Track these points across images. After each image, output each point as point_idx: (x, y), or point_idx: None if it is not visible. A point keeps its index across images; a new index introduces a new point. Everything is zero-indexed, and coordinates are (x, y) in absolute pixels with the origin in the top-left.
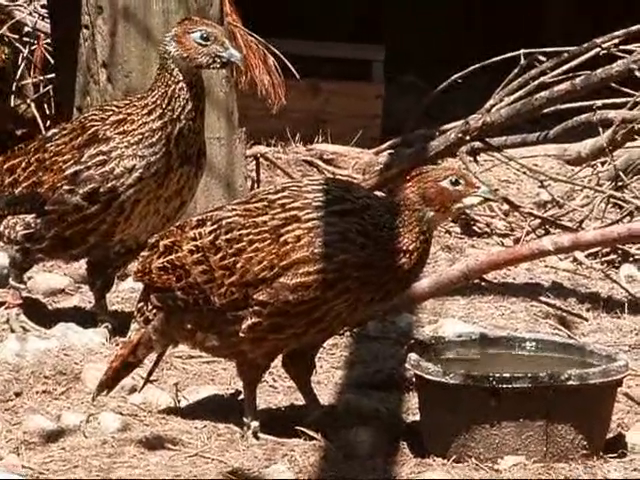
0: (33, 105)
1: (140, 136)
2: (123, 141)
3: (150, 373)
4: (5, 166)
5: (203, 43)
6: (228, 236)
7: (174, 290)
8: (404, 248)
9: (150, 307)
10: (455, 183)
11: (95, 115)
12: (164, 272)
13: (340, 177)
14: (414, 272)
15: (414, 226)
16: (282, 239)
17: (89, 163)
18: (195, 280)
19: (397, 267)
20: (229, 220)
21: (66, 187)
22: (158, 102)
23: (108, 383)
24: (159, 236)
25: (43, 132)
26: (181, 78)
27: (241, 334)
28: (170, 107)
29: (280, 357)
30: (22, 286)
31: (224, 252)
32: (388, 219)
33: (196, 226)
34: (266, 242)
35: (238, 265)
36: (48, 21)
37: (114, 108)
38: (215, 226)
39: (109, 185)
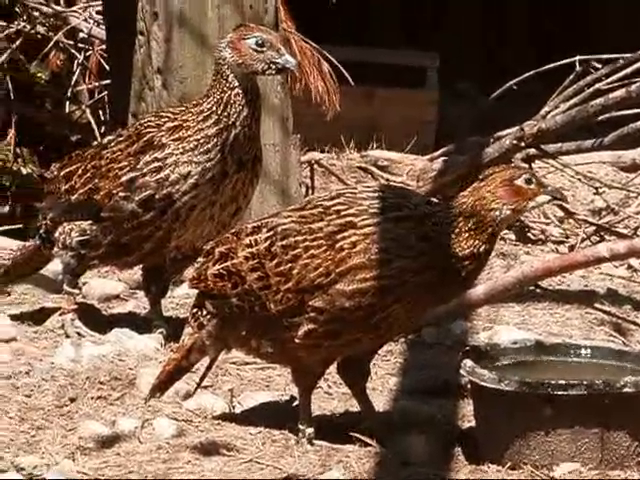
0: (88, 111)
1: (195, 142)
2: (178, 147)
3: (203, 378)
4: (62, 173)
5: (258, 49)
6: (284, 242)
7: (230, 297)
8: (475, 251)
9: (204, 312)
10: (529, 182)
11: (150, 122)
12: (220, 279)
13: (395, 184)
14: (477, 275)
15: (487, 227)
16: (338, 245)
17: (144, 170)
18: (251, 287)
19: (459, 271)
20: (285, 227)
21: (122, 194)
22: (214, 108)
23: (161, 387)
24: (214, 243)
25: (98, 138)
26: (237, 84)
27: (297, 340)
28: (226, 113)
29: (335, 363)
30: (76, 291)
31: (280, 258)
32: (452, 223)
33: (251, 233)
34: (322, 248)
35: (294, 271)
36: (103, 27)
37: (169, 115)
38: (271, 233)
39: (164, 192)
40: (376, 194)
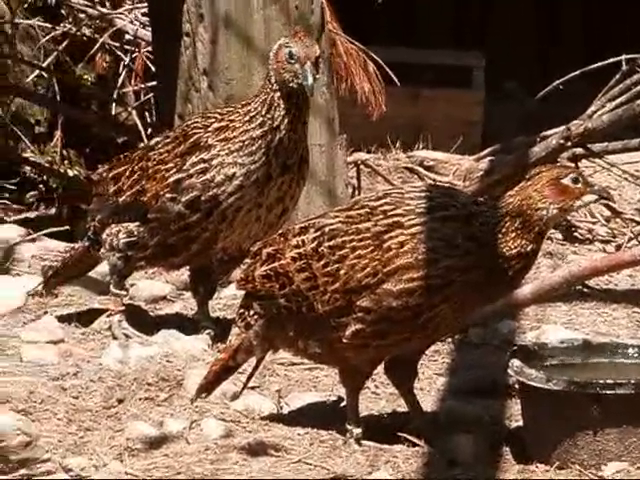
0: (134, 113)
1: (240, 144)
2: (224, 149)
3: (250, 377)
4: (110, 174)
5: (290, 60)
6: (331, 243)
7: (277, 298)
8: (522, 251)
9: (252, 313)
10: (576, 181)
11: (197, 123)
12: (267, 280)
13: (441, 183)
14: (524, 274)
15: (534, 226)
16: (385, 245)
17: (191, 171)
18: (298, 287)
19: (507, 271)
20: (332, 227)
21: (168, 195)
22: (259, 109)
23: (207, 386)
24: (262, 244)
25: (144, 140)
26: (277, 87)
27: (344, 340)
28: (270, 115)
29: (383, 364)
30: (123, 292)
31: (327, 259)
32: (499, 223)
33: (299, 233)
34: (369, 249)
35: (341, 272)
36: (149, 29)
37: (217, 115)
38: (318, 233)
39: (210, 193)
40: (423, 194)
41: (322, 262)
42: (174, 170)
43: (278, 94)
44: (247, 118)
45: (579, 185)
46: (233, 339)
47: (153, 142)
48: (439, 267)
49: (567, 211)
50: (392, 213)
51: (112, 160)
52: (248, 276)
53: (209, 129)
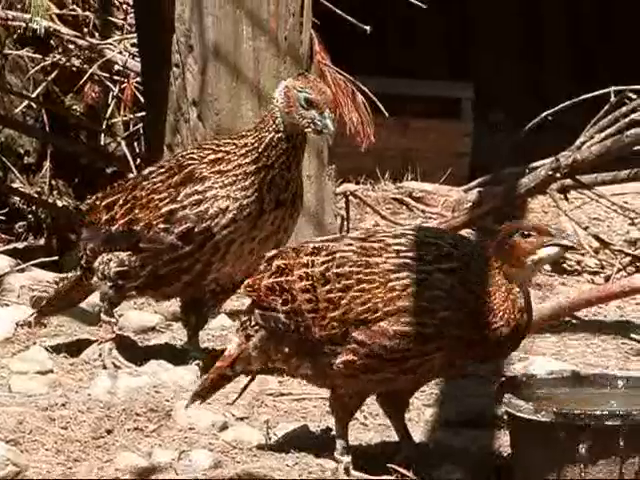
0: (123, 143)
1: (234, 178)
2: (218, 181)
3: (244, 388)
4: (103, 203)
5: (305, 106)
6: (339, 270)
7: (278, 312)
8: (495, 308)
9: (253, 323)
10: (526, 235)
11: (193, 154)
12: (271, 292)
13: (430, 214)
14: (510, 337)
15: (501, 284)
16: (390, 285)
17: (185, 202)
18: (300, 307)
19: (492, 328)
20: (343, 254)
21: (161, 225)
22: (255, 145)
23: (203, 393)
24: (275, 253)
25: (133, 170)
26: (282, 129)
27: (335, 368)
28: (266, 153)
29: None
30: (113, 320)
31: (332, 285)
32: (484, 276)
33: (311, 253)
34: (374, 284)
35: (343, 301)
36: (138, 59)
37: (213, 147)
38: (329, 257)
39: (204, 225)
40: (436, 241)
41: (327, 287)
42: (167, 200)
43: (280, 135)
44: (242, 152)
45: (531, 239)
46: (233, 348)
47: (147, 172)
48: (437, 317)
49: (524, 269)
50: (404, 254)
51: (104, 189)
52: (255, 284)
53: (204, 160)
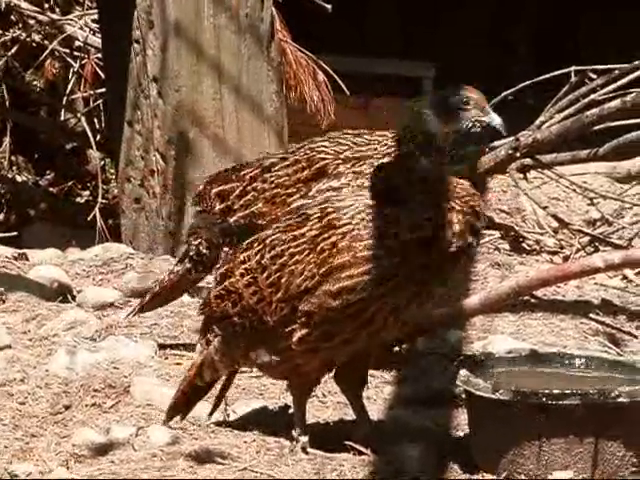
0: (83, 119)
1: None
2: (356, 181)
3: (219, 398)
4: (214, 190)
5: (463, 107)
6: (272, 253)
7: (232, 316)
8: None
9: (211, 331)
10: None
11: (325, 147)
12: (220, 300)
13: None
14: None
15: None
16: (319, 247)
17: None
18: (248, 302)
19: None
20: (272, 238)
21: None
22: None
23: (179, 408)
24: (219, 266)
25: (93, 146)
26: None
27: (293, 347)
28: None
29: (332, 372)
30: None
31: (269, 270)
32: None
33: (245, 249)
34: (305, 253)
35: (282, 280)
36: (99, 36)
37: (349, 144)
38: (261, 246)
39: None
40: (354, 194)
41: (265, 274)
42: (297, 196)
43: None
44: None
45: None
46: (196, 356)
47: (267, 163)
48: (375, 263)
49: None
50: (325, 216)
51: (213, 174)
52: (206, 299)
53: (340, 157)
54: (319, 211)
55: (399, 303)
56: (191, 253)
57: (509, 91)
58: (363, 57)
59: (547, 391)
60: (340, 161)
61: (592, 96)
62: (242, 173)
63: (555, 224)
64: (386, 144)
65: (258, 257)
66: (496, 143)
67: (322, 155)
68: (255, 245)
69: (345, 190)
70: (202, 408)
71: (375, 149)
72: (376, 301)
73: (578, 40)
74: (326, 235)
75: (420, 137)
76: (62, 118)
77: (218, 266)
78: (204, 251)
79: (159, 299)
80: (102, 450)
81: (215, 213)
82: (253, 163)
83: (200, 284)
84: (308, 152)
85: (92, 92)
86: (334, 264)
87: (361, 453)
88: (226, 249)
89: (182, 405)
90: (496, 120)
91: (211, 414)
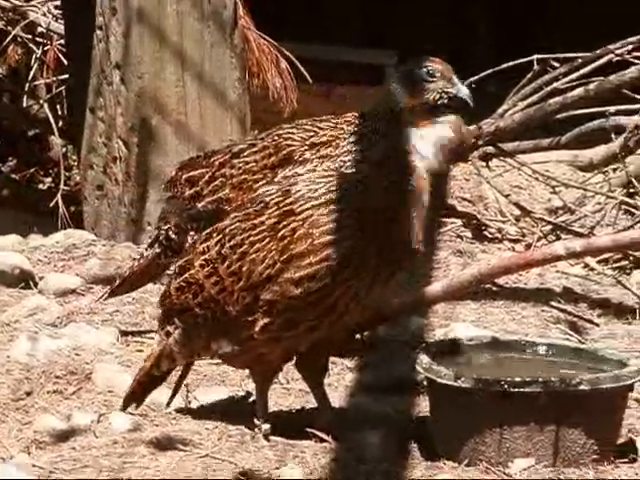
0: (46, 106)
1: (341, 163)
2: (322, 165)
3: (177, 387)
4: (184, 176)
5: (429, 79)
6: (232, 243)
7: (193, 308)
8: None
9: (171, 323)
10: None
11: (291, 134)
12: (181, 292)
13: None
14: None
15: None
16: (279, 235)
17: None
18: (209, 293)
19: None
20: (231, 227)
21: None
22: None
23: (136, 396)
24: (177, 259)
25: (55, 133)
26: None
27: (255, 337)
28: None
29: (295, 358)
30: None
31: (230, 259)
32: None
33: (204, 240)
34: (265, 241)
35: (244, 269)
36: (62, 22)
37: (315, 129)
38: (220, 236)
39: None
40: (313, 180)
41: (226, 263)
42: (263, 182)
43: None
44: (352, 139)
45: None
46: (155, 347)
47: (236, 149)
48: (335, 250)
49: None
50: (284, 203)
51: (185, 160)
52: (165, 292)
53: (307, 142)
54: (277, 198)
55: (360, 289)
56: (160, 238)
57: (472, 79)
58: (325, 44)
59: (509, 378)
60: (306, 147)
61: (555, 84)
62: (212, 159)
63: (517, 212)
64: (351, 124)
65: (218, 247)
66: None
67: (289, 142)
68: (214, 235)
69: (305, 176)
70: (163, 395)
71: (342, 130)
72: (338, 287)
73: (546, 23)
74: (286, 222)
75: (387, 112)
76: (24, 104)
77: (176, 259)
78: (173, 236)
79: (129, 284)
80: (63, 436)
81: (185, 199)
82: (223, 149)
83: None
84: (276, 138)
85: (55, 79)
86: (294, 251)
87: (323, 440)
88: (192, 233)
89: (138, 394)
90: (463, 91)
91: (169, 403)
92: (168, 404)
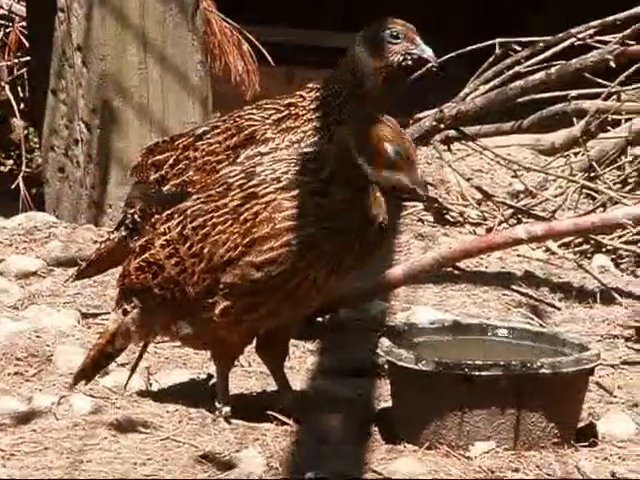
0: (7, 88)
1: (302, 135)
2: (284, 141)
3: (134, 367)
4: (149, 161)
5: (393, 41)
6: (194, 224)
7: (152, 288)
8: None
9: (129, 302)
10: (394, 146)
11: (252, 114)
12: (140, 271)
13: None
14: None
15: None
16: (242, 218)
17: (246, 164)
18: (169, 274)
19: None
20: (193, 209)
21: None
22: (329, 99)
23: (87, 373)
24: (137, 238)
25: (17, 115)
26: (365, 78)
27: (215, 319)
28: (338, 107)
29: (254, 342)
30: None
31: (191, 240)
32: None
33: (165, 221)
34: (228, 223)
35: (205, 250)
36: (23, 4)
37: (275, 106)
38: (182, 217)
39: None
40: (277, 162)
41: (187, 244)
42: (226, 163)
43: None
44: (312, 106)
45: (397, 153)
46: (110, 324)
47: (200, 131)
48: (297, 235)
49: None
50: (247, 185)
51: (150, 145)
52: (125, 271)
53: (267, 121)
54: (241, 180)
55: (319, 277)
56: (127, 222)
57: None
58: (296, 28)
59: (470, 362)
60: (267, 126)
61: (516, 68)
62: (176, 143)
63: (479, 196)
64: (309, 93)
65: (179, 228)
66: (420, 115)
67: (250, 122)
68: (175, 216)
69: (267, 157)
70: (123, 377)
71: (300, 99)
72: (299, 273)
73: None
74: (248, 205)
75: (350, 76)
76: None
77: (135, 238)
78: (138, 220)
79: (95, 267)
80: (24, 419)
81: (150, 183)
82: (187, 132)
83: None
84: (237, 119)
85: (16, 61)
86: (256, 235)
87: (284, 423)
88: (157, 216)
89: (89, 371)
90: (427, 51)
91: (127, 384)
92: (126, 385)
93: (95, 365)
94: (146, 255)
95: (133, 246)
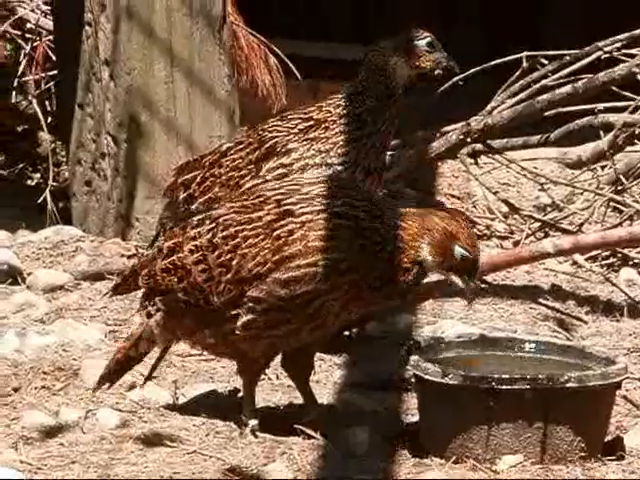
0: (35, 102)
1: (332, 145)
2: (310, 150)
3: (153, 369)
4: (179, 180)
5: (430, 50)
6: (224, 233)
7: (176, 291)
8: (399, 264)
9: (153, 304)
10: (465, 249)
11: (277, 126)
12: (167, 273)
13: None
14: (408, 289)
15: (408, 253)
16: (275, 234)
17: (268, 177)
18: (195, 280)
19: (391, 278)
20: (226, 217)
21: None
22: (361, 112)
23: (110, 377)
24: (165, 238)
25: (44, 129)
26: (398, 88)
27: (237, 332)
28: (371, 119)
29: (280, 356)
30: None
31: (221, 249)
32: (387, 231)
33: (196, 225)
34: (260, 237)
35: (234, 262)
36: (51, 18)
37: (301, 115)
38: (213, 224)
39: None
40: (320, 184)
41: (216, 253)
42: (249, 177)
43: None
44: (344, 121)
45: (466, 253)
46: (135, 328)
47: (224, 148)
48: (327, 257)
49: (440, 266)
50: (285, 202)
51: (181, 164)
52: (151, 271)
53: (292, 131)
54: (279, 195)
55: (337, 302)
56: (160, 239)
57: (460, 76)
58: (318, 42)
59: (496, 376)
60: (292, 136)
61: (543, 81)
62: (203, 160)
63: (505, 209)
64: (339, 105)
65: (210, 235)
66: (447, 128)
67: (274, 134)
68: (207, 222)
69: (305, 175)
70: (152, 392)
71: (328, 112)
72: (322, 295)
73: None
74: (283, 222)
75: (382, 87)
76: (13, 100)
77: (163, 238)
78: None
79: (134, 283)
80: (51, 433)
81: (179, 202)
82: (213, 150)
83: None
84: (260, 133)
85: (44, 75)
86: (286, 253)
87: (310, 437)
88: None
89: (114, 374)
90: (451, 61)
91: (145, 382)
92: (144, 384)
93: (119, 370)
94: (174, 258)
95: (160, 245)
